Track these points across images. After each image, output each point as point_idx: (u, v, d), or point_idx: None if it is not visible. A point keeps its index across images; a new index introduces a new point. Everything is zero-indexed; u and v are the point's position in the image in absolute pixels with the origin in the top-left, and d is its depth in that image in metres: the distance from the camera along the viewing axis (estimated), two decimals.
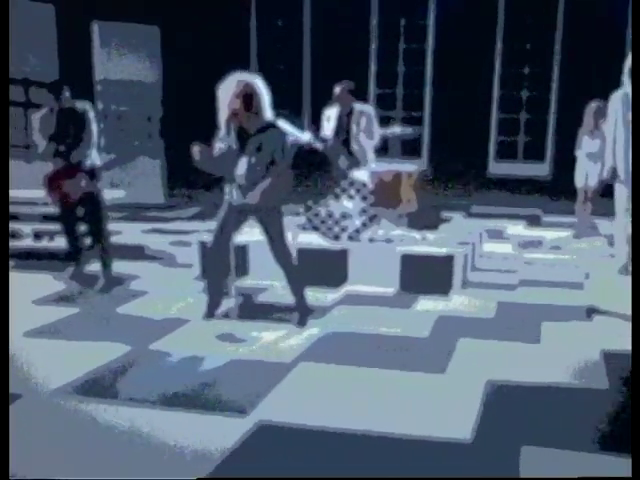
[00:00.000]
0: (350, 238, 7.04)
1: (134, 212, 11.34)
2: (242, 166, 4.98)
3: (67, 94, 6.19)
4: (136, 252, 8.12)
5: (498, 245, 9.05)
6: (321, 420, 3.62)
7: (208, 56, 13.71)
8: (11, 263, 6.93)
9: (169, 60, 13.03)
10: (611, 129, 6.23)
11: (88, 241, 6.53)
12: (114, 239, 8.72)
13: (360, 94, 15.18)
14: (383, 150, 8.44)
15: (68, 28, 11.08)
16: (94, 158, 6.29)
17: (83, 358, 4.47)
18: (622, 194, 6.18)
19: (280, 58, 15.50)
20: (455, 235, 7.64)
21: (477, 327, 5.38)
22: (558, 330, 5.34)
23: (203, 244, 6.90)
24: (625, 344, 4.90)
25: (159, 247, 8.41)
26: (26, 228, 7.94)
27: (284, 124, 5.07)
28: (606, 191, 10.29)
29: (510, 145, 14.96)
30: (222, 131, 5.07)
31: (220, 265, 5.25)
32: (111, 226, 9.64)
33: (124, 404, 3.80)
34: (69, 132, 6.13)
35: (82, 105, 6.29)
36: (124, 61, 12.37)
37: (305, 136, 5.13)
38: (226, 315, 5.43)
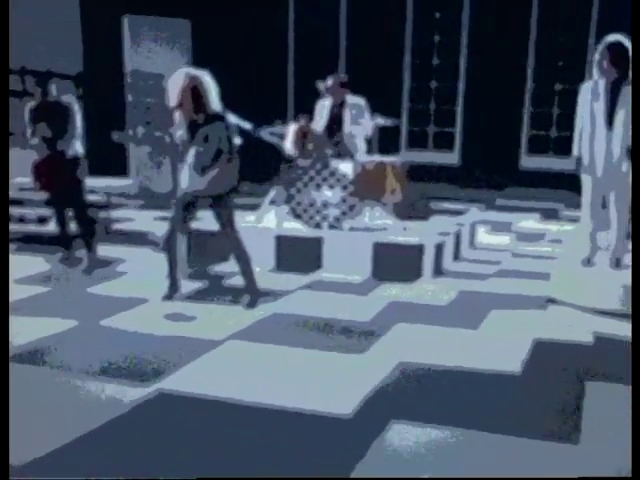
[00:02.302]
0: (331, 226, 7.23)
1: (157, 201, 11.73)
2: (191, 155, 5.25)
3: (54, 87, 6.57)
4: (137, 238, 8.46)
5: (498, 237, 9.11)
6: (223, 392, 3.83)
7: (240, 50, 14.06)
8: (14, 246, 7.36)
9: (199, 53, 13.40)
10: (578, 120, 6.25)
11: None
12: (124, 226, 9.18)
13: (395, 87, 15.43)
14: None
15: (94, 22, 11.52)
16: (77, 147, 6.66)
17: (29, 331, 4.80)
18: (587, 186, 6.19)
19: (316, 52, 15.65)
20: (442, 226, 7.75)
21: (423, 313, 5.52)
22: (503, 318, 5.43)
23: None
24: (562, 334, 5.01)
25: (162, 233, 8.71)
26: (31, 213, 8.34)
27: (231, 116, 5.31)
28: None
29: (542, 139, 14.83)
30: (178, 124, 5.35)
31: (176, 251, 5.54)
32: (125, 214, 10.16)
33: (49, 372, 4.12)
34: (55, 123, 6.49)
35: (67, 98, 6.67)
36: (154, 54, 12.76)
37: (249, 126, 5.34)
38: (186, 297, 5.73)
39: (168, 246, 5.54)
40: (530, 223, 10.49)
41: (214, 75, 13.23)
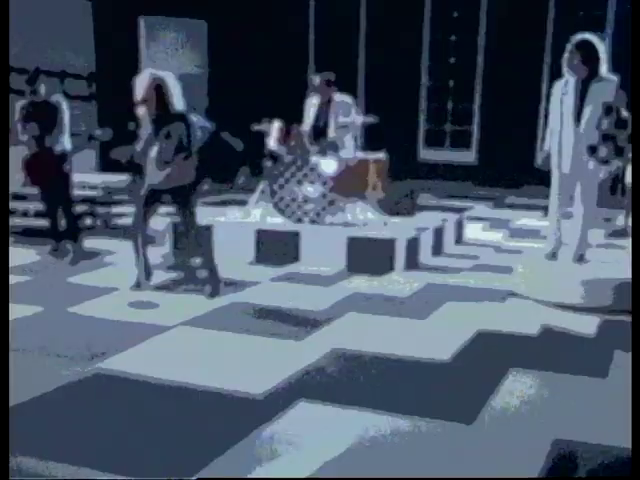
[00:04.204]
0: (312, 221, 7.44)
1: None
2: (154, 151, 5.53)
3: (42, 87, 6.92)
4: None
5: (490, 234, 9.22)
6: (156, 373, 4.07)
7: (256, 50, 14.32)
8: (13, 239, 7.70)
9: (215, 54, 13.73)
10: (550, 117, 6.36)
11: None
12: (127, 221, 9.47)
13: (413, 86, 15.55)
14: None
15: (107, 23, 11.89)
16: (65, 143, 7.00)
17: None
18: (555, 181, 6.29)
19: (335, 51, 15.78)
20: (426, 222, 7.89)
21: (379, 304, 5.69)
22: (456, 310, 5.58)
23: (174, 224, 7.49)
24: (509, 326, 5.15)
25: (160, 228, 8.98)
26: (32, 207, 8.66)
27: (192, 115, 5.59)
28: (610, 185, 10.26)
29: None
30: (144, 121, 5.64)
31: (141, 243, 5.82)
32: (130, 209, 10.46)
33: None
34: (43, 121, 6.84)
35: (56, 98, 7.03)
36: (170, 55, 13.13)
37: (212, 126, 5.61)
38: (156, 287, 6.00)
39: (137, 238, 5.81)
40: (530, 220, 10.52)
41: (230, 75, 13.49)
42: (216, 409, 3.64)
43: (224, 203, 10.07)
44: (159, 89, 5.47)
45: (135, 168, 5.76)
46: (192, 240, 5.77)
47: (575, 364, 4.42)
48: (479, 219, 10.36)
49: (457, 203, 12.05)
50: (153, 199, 5.70)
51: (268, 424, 3.44)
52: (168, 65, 12.99)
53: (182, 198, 5.64)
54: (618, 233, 9.25)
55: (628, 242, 8.27)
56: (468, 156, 15.46)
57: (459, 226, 8.47)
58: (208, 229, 7.23)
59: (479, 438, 3.38)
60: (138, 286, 5.91)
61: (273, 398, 3.76)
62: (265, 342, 4.69)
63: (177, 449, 3.18)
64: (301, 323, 5.13)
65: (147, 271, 5.94)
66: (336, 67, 15.31)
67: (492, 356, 4.55)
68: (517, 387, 4.02)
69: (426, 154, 15.82)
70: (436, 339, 4.86)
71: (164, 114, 5.50)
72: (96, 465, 3.00)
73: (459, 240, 8.43)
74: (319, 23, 16.09)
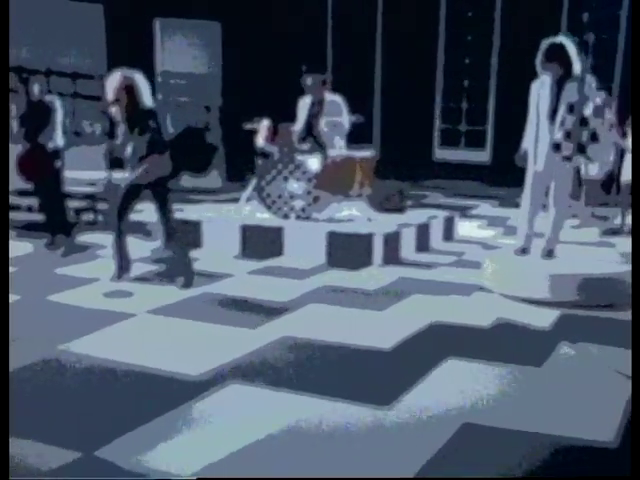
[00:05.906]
0: (298, 217, 7.65)
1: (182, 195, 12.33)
2: (129, 148, 5.81)
3: (36, 86, 7.25)
4: (135, 227, 8.98)
5: (484, 231, 9.35)
6: (111, 356, 4.32)
7: (271, 51, 14.54)
8: (14, 233, 8.05)
9: (229, 53, 14.00)
10: (529, 116, 6.51)
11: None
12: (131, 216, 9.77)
13: (428, 86, 15.66)
14: None
15: (120, 25, 12.25)
16: (58, 140, 7.31)
17: None
18: (530, 177, 6.41)
19: (353, 51, 15.95)
20: (414, 219, 8.05)
21: (344, 296, 5.88)
22: (418, 303, 5.74)
23: None
24: (465, 318, 5.30)
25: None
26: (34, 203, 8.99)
27: (162, 113, 5.87)
28: (605, 183, 10.28)
29: None
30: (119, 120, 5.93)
31: (123, 234, 6.09)
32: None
33: None
34: (38, 120, 7.18)
35: (50, 98, 7.37)
36: (185, 55, 13.45)
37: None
38: (134, 278, 6.26)
39: (117, 231, 6.08)
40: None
41: (244, 74, 13.69)
42: (148, 388, 3.87)
43: (227, 201, 10.30)
44: (129, 89, 5.74)
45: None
46: (168, 233, 6.02)
47: (514, 354, 4.54)
48: (478, 217, 10.48)
49: (464, 202, 12.18)
50: (133, 194, 5.95)
51: (194, 403, 3.65)
52: (183, 66, 13.36)
53: (161, 191, 5.90)
54: (613, 231, 9.31)
55: (620, 240, 8.38)
56: (482, 156, 15.52)
57: (449, 223, 8.58)
58: (196, 224, 7.52)
59: (393, 421, 3.54)
60: (117, 277, 6.17)
61: (206, 379, 3.97)
62: (220, 329, 4.90)
63: (98, 423, 3.41)
64: (261, 313, 5.33)
65: (123, 264, 6.20)
66: (352, 67, 15.64)
67: (434, 346, 4.69)
68: (444, 375, 4.17)
69: (441, 154, 15.94)
70: (387, 329, 5.00)
71: (135, 112, 5.76)
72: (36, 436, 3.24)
73: (449, 237, 8.56)
74: (335, 23, 16.27)
